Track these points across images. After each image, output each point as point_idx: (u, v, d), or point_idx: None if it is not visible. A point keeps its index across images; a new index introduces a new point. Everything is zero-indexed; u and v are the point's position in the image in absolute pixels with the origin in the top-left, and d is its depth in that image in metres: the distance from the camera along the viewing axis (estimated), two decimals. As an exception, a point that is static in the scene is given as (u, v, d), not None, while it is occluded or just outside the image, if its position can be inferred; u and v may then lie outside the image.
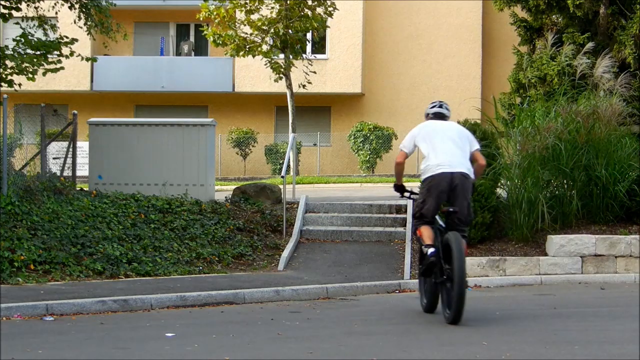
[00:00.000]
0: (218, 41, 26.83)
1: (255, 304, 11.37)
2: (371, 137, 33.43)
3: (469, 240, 13.88)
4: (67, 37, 16.60)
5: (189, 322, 9.95)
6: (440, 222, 9.96)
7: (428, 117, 10.40)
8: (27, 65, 15.93)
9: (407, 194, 10.53)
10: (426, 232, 9.85)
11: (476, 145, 10.09)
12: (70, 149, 16.96)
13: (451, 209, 9.68)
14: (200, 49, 37.06)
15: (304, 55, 27.28)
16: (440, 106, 10.38)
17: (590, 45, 22.38)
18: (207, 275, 13.13)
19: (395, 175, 10.48)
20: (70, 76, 34.12)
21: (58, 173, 16.55)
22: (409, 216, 15.44)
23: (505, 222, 14.55)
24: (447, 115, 10.37)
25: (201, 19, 27.71)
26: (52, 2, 17.57)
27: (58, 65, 16.42)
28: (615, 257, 13.71)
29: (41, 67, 16.16)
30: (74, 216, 14.11)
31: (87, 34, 18.30)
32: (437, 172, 9.73)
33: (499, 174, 14.82)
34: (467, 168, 9.80)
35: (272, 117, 36.59)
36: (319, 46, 34.75)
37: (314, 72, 27.87)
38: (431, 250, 9.64)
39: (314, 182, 28.42)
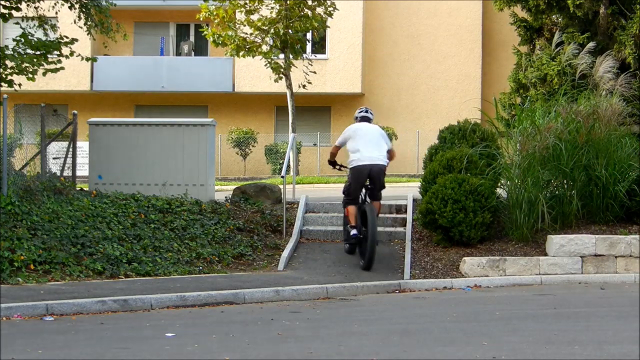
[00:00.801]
0: (218, 41, 26.82)
1: (255, 304, 11.37)
2: (371, 137, 33.39)
3: (469, 241, 13.99)
4: (67, 37, 16.60)
5: (189, 322, 9.95)
6: (363, 195, 13.68)
7: (357, 119, 13.93)
8: (27, 65, 15.93)
9: (337, 167, 14.30)
10: (352, 212, 13.51)
11: (389, 145, 13.85)
12: (70, 149, 16.95)
13: (369, 186, 13.60)
14: (200, 49, 37.05)
15: (304, 55, 27.27)
16: (366, 111, 13.98)
17: (590, 45, 22.40)
18: (207, 275, 13.13)
19: (330, 156, 14.29)
20: (70, 76, 34.12)
21: (58, 173, 16.54)
22: (409, 216, 15.44)
23: (505, 222, 14.56)
24: (371, 118, 13.98)
25: (201, 19, 27.70)
26: (52, 2, 17.57)
27: (58, 65, 16.41)
28: (615, 257, 13.70)
29: (41, 67, 16.16)
30: (74, 216, 14.10)
31: (87, 34, 18.30)
32: (361, 164, 13.41)
33: (499, 174, 14.82)
34: (382, 160, 13.52)
35: (272, 117, 36.59)
36: (319, 46, 34.73)
37: (314, 72, 27.86)
38: (354, 232, 13.38)
39: (314, 182, 28.42)
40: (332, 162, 14.29)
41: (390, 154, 13.82)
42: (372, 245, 13.07)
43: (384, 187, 13.79)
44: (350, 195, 13.64)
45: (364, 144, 13.45)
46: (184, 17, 36.59)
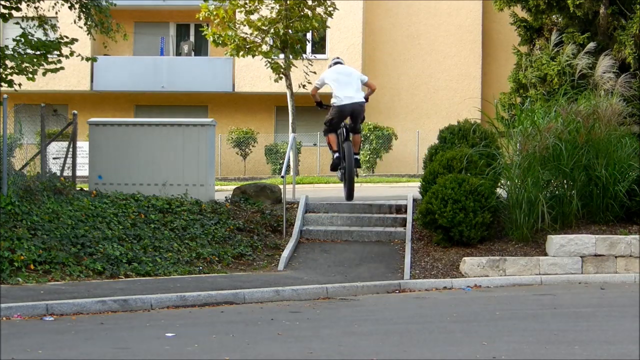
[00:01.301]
0: (218, 41, 26.82)
1: (255, 304, 11.37)
2: (371, 137, 33.42)
3: (469, 241, 13.99)
4: (67, 37, 16.60)
5: (189, 322, 9.95)
6: (344, 131, 15.67)
7: (331, 66, 15.89)
8: (27, 65, 15.93)
9: (324, 107, 15.97)
10: (332, 140, 15.72)
11: (365, 79, 15.92)
12: (70, 149, 16.95)
13: (351, 124, 15.74)
14: (200, 49, 37.05)
15: (304, 55, 27.26)
16: (338, 57, 16.31)
17: (590, 45, 22.39)
18: (207, 275, 13.13)
19: (314, 98, 16.05)
20: (70, 76, 34.12)
21: (58, 173, 16.54)
22: (409, 216, 15.44)
23: (505, 222, 14.55)
24: (343, 62, 16.09)
25: (201, 19, 27.70)
26: (52, 2, 17.56)
27: (58, 65, 16.41)
28: (615, 257, 13.70)
29: (41, 67, 16.15)
30: (74, 216, 14.10)
31: (87, 34, 18.28)
32: (342, 104, 15.40)
33: (499, 174, 14.82)
34: (360, 98, 15.55)
35: (272, 117, 36.58)
36: (319, 46, 34.73)
37: (314, 72, 27.83)
38: (336, 154, 15.74)
39: (314, 182, 28.40)
40: (319, 103, 16.06)
41: (370, 86, 16.02)
42: (350, 177, 15.47)
43: (363, 119, 16.02)
44: (331, 126, 15.66)
45: (343, 85, 15.41)
46: (184, 17, 36.59)
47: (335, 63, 15.92)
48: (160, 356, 7.86)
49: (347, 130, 15.75)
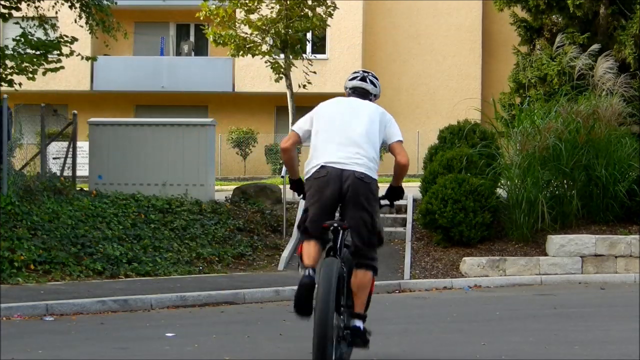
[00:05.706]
0: (218, 41, 26.79)
1: (255, 304, 11.36)
2: (371, 137, 33.41)
3: (469, 241, 13.99)
4: (67, 37, 16.59)
5: (189, 322, 9.95)
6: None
7: (347, 91, 7.85)
8: (27, 65, 15.92)
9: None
10: (306, 250, 7.14)
11: (394, 138, 7.44)
12: (70, 149, 16.94)
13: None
14: (200, 49, 37.03)
15: (304, 55, 27.24)
16: (363, 78, 7.67)
17: (595, 47, 22.38)
18: (207, 275, 13.13)
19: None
20: (70, 76, 34.10)
21: (58, 173, 16.53)
22: (409, 216, 15.43)
23: (505, 222, 14.55)
24: (370, 91, 7.65)
25: (201, 18, 27.68)
26: (52, 1, 17.54)
27: (58, 65, 16.40)
28: (615, 257, 13.70)
29: (41, 67, 16.15)
30: (74, 216, 14.10)
31: (89, 33, 18.25)
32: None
33: (499, 174, 14.82)
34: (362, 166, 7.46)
35: (272, 117, 36.57)
36: (319, 46, 34.72)
37: (314, 72, 27.82)
38: (306, 271, 6.81)
39: (314, 182, 28.34)
40: (294, 182, 7.78)
41: (397, 156, 7.16)
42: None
43: (375, 231, 7.01)
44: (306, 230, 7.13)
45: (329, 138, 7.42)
46: (184, 17, 36.57)
47: (354, 90, 7.66)
48: (160, 356, 7.85)
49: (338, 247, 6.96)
